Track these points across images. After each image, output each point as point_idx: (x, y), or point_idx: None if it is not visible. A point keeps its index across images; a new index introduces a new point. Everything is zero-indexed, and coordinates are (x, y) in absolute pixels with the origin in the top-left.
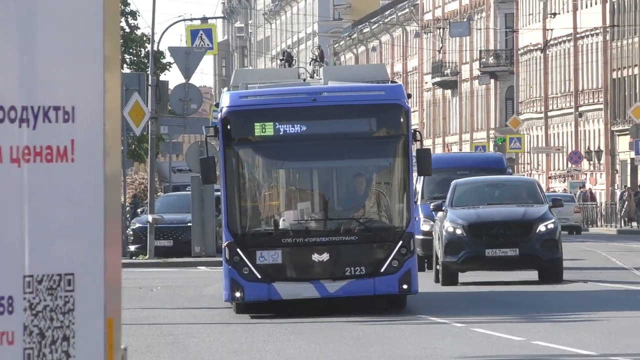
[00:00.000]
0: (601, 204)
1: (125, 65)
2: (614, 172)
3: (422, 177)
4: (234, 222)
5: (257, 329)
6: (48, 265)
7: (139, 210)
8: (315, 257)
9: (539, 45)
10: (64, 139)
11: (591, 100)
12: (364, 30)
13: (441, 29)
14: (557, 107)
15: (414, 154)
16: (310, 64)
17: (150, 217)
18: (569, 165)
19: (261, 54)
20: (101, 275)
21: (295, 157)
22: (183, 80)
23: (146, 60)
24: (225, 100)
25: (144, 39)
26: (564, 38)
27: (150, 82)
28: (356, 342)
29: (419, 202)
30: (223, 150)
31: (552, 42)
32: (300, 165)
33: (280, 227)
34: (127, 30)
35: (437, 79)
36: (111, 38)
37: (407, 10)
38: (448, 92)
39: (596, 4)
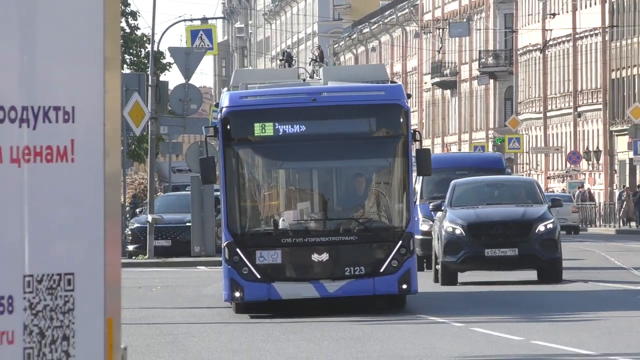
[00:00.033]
0: (600, 204)
1: (125, 66)
2: (613, 172)
3: (421, 177)
4: (233, 222)
5: (257, 328)
6: (48, 265)
7: (137, 210)
8: (315, 257)
9: (538, 46)
10: (64, 139)
11: (590, 101)
12: (364, 31)
13: (441, 29)
14: (556, 107)
15: (413, 154)
16: (310, 64)
17: (150, 217)
18: (568, 165)
19: (261, 54)
20: (101, 275)
21: (295, 157)
22: (183, 81)
23: (146, 61)
24: (225, 101)
25: (144, 39)
26: (563, 38)
27: (150, 83)
28: (356, 342)
29: (417, 202)
30: (223, 150)
31: (551, 43)
32: (300, 165)
33: (280, 227)
34: (127, 30)
35: (437, 79)
36: (111, 38)
37: (406, 10)
38: (447, 92)
39: (595, 4)
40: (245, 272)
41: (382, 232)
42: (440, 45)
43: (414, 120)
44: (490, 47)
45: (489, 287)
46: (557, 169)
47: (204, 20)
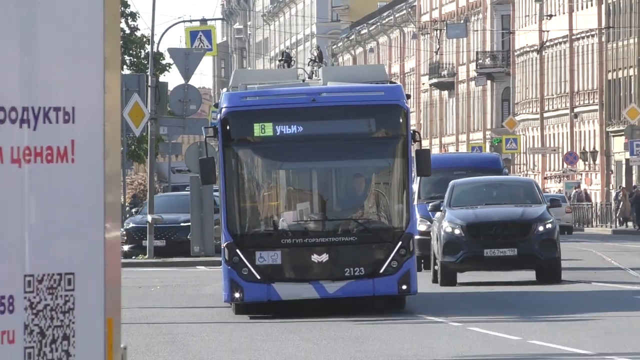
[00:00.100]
0: (596, 204)
1: (125, 67)
2: (609, 173)
3: (418, 177)
4: (233, 222)
5: (256, 328)
6: (48, 264)
7: (133, 210)
8: (315, 257)
9: (535, 47)
10: (64, 140)
11: (586, 102)
12: (362, 32)
13: (438, 31)
14: (552, 108)
15: (413, 154)
16: (309, 65)
17: (149, 217)
18: (565, 165)
19: (260, 55)
20: (101, 274)
21: (294, 158)
22: (182, 81)
23: (146, 62)
24: (224, 101)
25: (144, 40)
26: (560, 39)
27: (149, 83)
28: (354, 341)
29: (415, 202)
30: (222, 150)
31: (548, 44)
32: (299, 165)
33: (280, 227)
34: (127, 31)
35: (434, 80)
36: (111, 39)
37: (404, 11)
38: (445, 93)
39: (592, 5)
40: (245, 272)
41: (382, 232)
42: (438, 47)
43: (412, 121)
44: (488, 48)
45: (487, 287)
46: (554, 170)
47: (203, 21)
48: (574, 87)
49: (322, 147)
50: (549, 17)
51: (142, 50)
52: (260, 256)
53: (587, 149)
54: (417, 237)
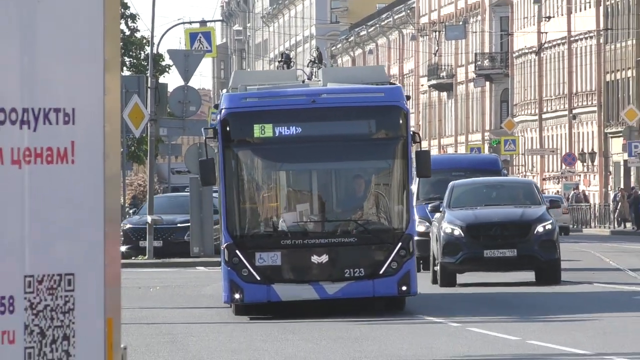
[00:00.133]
0: (594, 205)
1: (124, 68)
2: (608, 174)
3: (417, 178)
4: (233, 223)
5: (256, 328)
6: (48, 265)
7: (130, 211)
8: (315, 258)
9: (534, 48)
10: (64, 141)
11: (585, 103)
12: (361, 33)
13: (437, 32)
14: (551, 109)
15: (413, 155)
16: (308, 66)
17: (149, 218)
18: (563, 166)
19: (259, 56)
20: (101, 275)
21: (294, 159)
22: (182, 83)
23: (146, 63)
24: (224, 102)
25: (144, 41)
26: (558, 41)
27: (149, 85)
28: (353, 342)
29: (414, 203)
30: (222, 151)
31: (546, 45)
32: (299, 166)
33: (280, 228)
34: (127, 33)
35: (433, 82)
36: (111, 40)
37: (403, 13)
38: (444, 94)
39: (590, 7)
40: (244, 273)
41: (382, 233)
42: (437, 48)
43: (411, 122)
44: (486, 50)
45: (487, 288)
46: (553, 171)
47: (203, 23)
48: (572, 88)
49: (322, 148)
50: (547, 19)
51: (142, 52)
52: (260, 257)
53: (585, 150)
54: (416, 238)
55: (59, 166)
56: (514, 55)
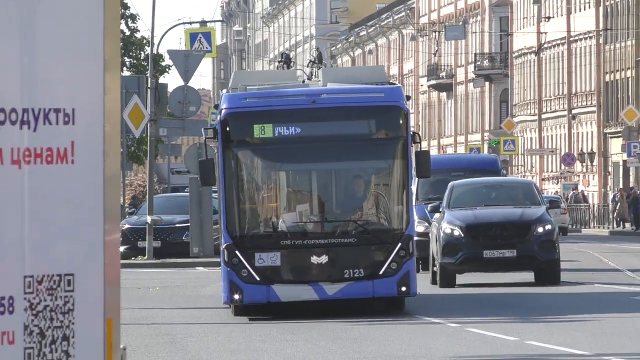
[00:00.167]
0: (593, 206)
1: (125, 68)
2: (607, 174)
3: (416, 179)
4: (232, 224)
5: (255, 328)
6: (48, 265)
7: (130, 211)
8: (314, 259)
9: (533, 49)
10: (64, 141)
11: (584, 103)
12: (361, 34)
13: (437, 32)
14: (550, 109)
15: (413, 156)
16: (308, 66)
17: (149, 219)
18: (562, 167)
19: (259, 56)
20: (101, 275)
21: (294, 159)
22: (182, 83)
23: (145, 63)
24: (224, 102)
25: (144, 42)
26: (558, 41)
27: (149, 85)
28: (352, 342)
29: (413, 203)
30: (222, 152)
31: (546, 46)
32: (299, 167)
33: (279, 229)
34: (127, 33)
35: (433, 82)
36: (111, 41)
37: (403, 13)
38: (443, 94)
39: (589, 7)
40: (244, 274)
41: (382, 234)
42: (436, 48)
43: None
44: (486, 50)
45: (486, 289)
46: (552, 171)
47: (203, 23)
48: (571, 88)
49: (322, 148)
50: (547, 19)
51: (142, 52)
52: (260, 258)
53: (584, 151)
54: (415, 238)
55: (58, 166)
56: (514, 55)
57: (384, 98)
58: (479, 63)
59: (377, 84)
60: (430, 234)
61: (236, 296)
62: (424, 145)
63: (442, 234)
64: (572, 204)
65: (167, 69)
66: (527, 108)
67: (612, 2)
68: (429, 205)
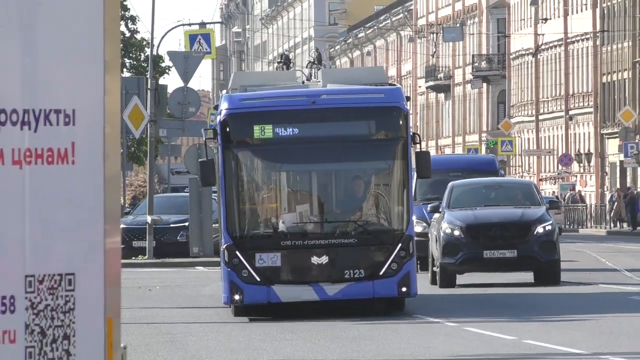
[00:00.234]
0: (590, 206)
1: (125, 69)
2: (604, 175)
3: (415, 179)
4: (232, 224)
5: (255, 328)
6: (49, 265)
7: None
8: (315, 259)
9: (531, 50)
10: (64, 142)
11: (581, 104)
12: (359, 35)
13: (434, 34)
14: (548, 110)
15: (413, 156)
16: (307, 67)
17: (149, 218)
18: (560, 167)
19: (258, 58)
20: (101, 275)
21: (294, 160)
22: (182, 84)
23: (145, 65)
24: (224, 103)
25: (144, 43)
26: (555, 43)
27: (149, 86)
28: (352, 341)
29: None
30: (222, 152)
31: (543, 47)
32: (299, 167)
33: (280, 229)
34: (127, 34)
35: (431, 83)
36: (111, 42)
37: (401, 15)
38: (441, 95)
39: (586, 9)
40: (244, 274)
41: (382, 234)
42: (434, 50)
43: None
44: (484, 52)
45: (486, 289)
46: (549, 171)
47: (202, 25)
48: (568, 89)
49: (322, 149)
50: (544, 21)
51: (142, 53)
52: (260, 258)
53: (581, 151)
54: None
55: (59, 167)
56: (511, 56)
57: (384, 99)
58: (476, 64)
59: (377, 85)
60: (429, 234)
61: (236, 296)
62: (422, 145)
63: (442, 234)
64: (569, 205)
65: (166, 70)
66: (525, 109)
67: (609, 3)
68: (429, 206)
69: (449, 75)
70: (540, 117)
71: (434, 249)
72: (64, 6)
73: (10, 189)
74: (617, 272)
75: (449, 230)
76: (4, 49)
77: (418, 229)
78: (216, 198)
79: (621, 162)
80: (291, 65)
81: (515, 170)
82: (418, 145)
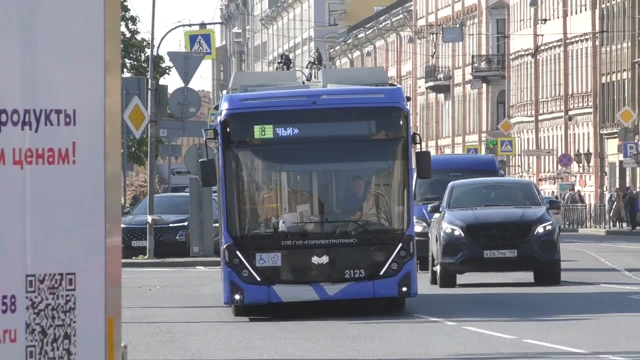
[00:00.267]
0: (590, 206)
1: (125, 70)
2: (603, 175)
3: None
4: (233, 224)
5: (255, 327)
6: (50, 264)
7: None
8: (315, 259)
9: (530, 51)
10: (65, 142)
11: (581, 104)
12: (359, 36)
13: (434, 35)
14: (547, 110)
15: (413, 156)
16: (307, 67)
17: (149, 218)
18: (559, 167)
19: (258, 58)
20: (102, 274)
21: (294, 160)
22: (182, 85)
23: (146, 65)
24: (224, 103)
25: (144, 44)
26: (554, 43)
27: (149, 86)
28: (351, 341)
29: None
30: (222, 152)
31: (542, 48)
32: (299, 167)
33: (280, 229)
34: (127, 35)
35: (430, 84)
36: (112, 42)
37: (401, 16)
38: (441, 96)
39: (586, 10)
40: (245, 274)
41: (382, 234)
42: (434, 50)
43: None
44: (483, 52)
45: (485, 288)
46: (549, 172)
47: (203, 25)
48: (568, 90)
49: (322, 149)
50: (543, 22)
51: (142, 54)
52: (261, 258)
53: (581, 151)
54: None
55: (60, 167)
56: (511, 57)
57: (384, 99)
58: (476, 65)
59: (377, 85)
60: (429, 234)
61: (237, 296)
62: (422, 146)
63: (442, 234)
64: (569, 204)
65: (167, 71)
66: (524, 109)
67: (609, 4)
68: (429, 206)
69: (449, 75)
70: (540, 117)
71: (434, 249)
72: (64, 6)
73: (11, 188)
74: (616, 271)
75: (449, 230)
76: (4, 49)
77: (418, 228)
78: (216, 198)
79: (620, 162)
80: (291, 65)
81: (515, 170)
82: (418, 146)
